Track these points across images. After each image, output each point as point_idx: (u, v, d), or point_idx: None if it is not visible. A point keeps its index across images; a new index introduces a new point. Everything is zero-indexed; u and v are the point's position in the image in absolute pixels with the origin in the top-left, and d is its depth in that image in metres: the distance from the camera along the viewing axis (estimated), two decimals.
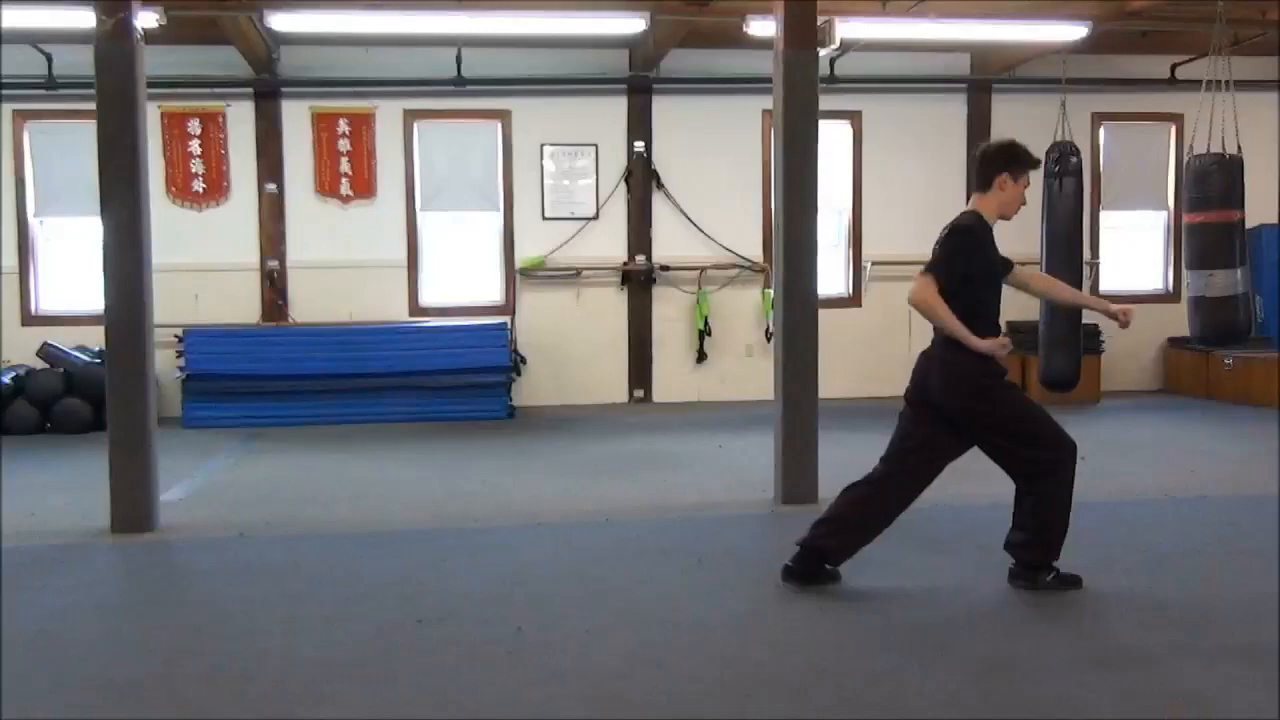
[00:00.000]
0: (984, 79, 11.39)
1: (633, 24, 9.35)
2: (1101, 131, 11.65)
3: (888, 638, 4.11)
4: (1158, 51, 11.05)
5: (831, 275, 11.23)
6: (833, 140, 10.82)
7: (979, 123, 11.43)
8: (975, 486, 5.76)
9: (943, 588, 4.76)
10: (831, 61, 10.44)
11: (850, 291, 11.45)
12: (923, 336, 11.91)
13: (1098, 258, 11.58)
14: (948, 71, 11.36)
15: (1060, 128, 9.08)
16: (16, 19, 8.68)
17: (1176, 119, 11.52)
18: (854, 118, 11.28)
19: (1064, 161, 9.01)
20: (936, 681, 3.64)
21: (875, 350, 11.35)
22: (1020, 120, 11.12)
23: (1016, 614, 4.38)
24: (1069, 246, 9.08)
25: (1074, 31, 9.54)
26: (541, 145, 10.94)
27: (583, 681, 3.70)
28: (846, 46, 9.54)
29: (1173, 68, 11.19)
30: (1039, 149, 9.07)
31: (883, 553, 4.93)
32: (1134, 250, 11.90)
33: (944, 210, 11.59)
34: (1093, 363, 10.43)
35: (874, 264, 11.35)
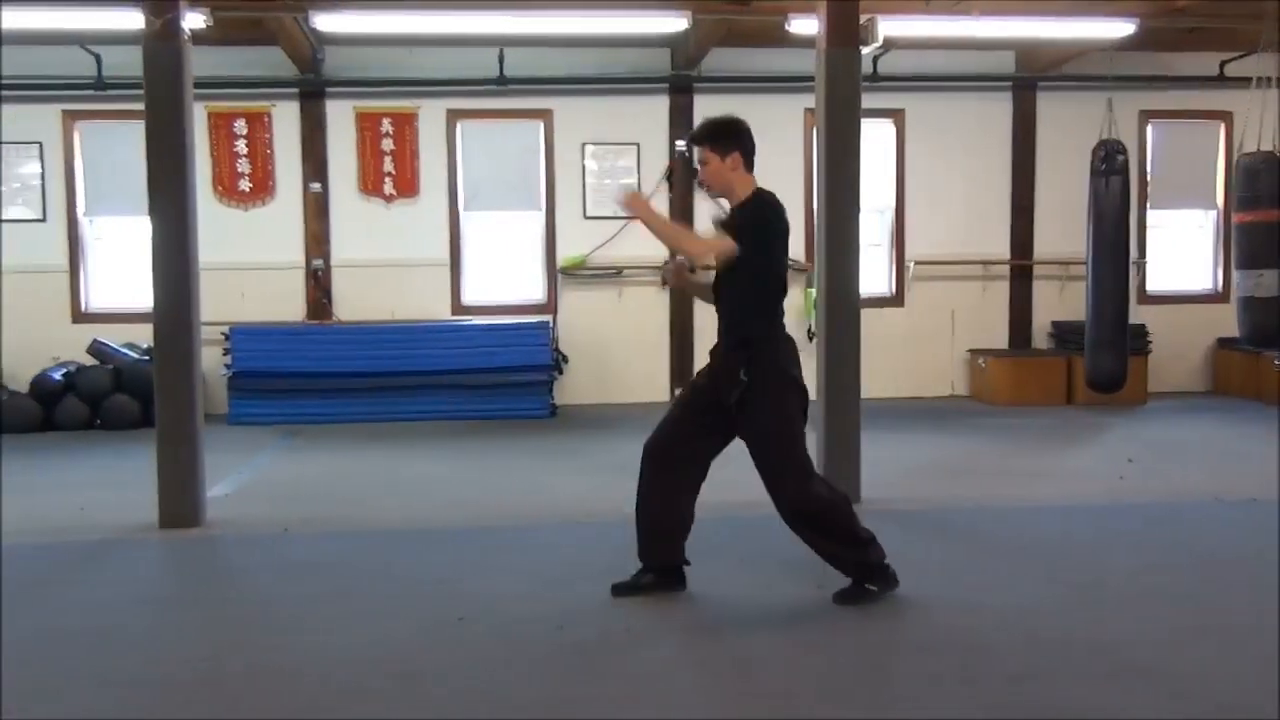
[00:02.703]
0: (1029, 77, 11.27)
1: (674, 23, 9.34)
2: (1149, 130, 11.49)
3: (929, 639, 4.08)
4: (1206, 48, 10.88)
5: (874, 275, 11.15)
6: (875, 139, 10.75)
7: (1024, 121, 11.33)
8: (1019, 489, 5.71)
9: (984, 588, 4.71)
10: (874, 60, 10.37)
11: (893, 291, 11.38)
12: (966, 336, 11.88)
13: (1145, 257, 11.44)
14: (992, 69, 11.25)
15: (1107, 126, 8.97)
16: (66, 20, 8.82)
17: (1225, 117, 11.35)
18: (897, 116, 11.21)
19: (1111, 160, 8.90)
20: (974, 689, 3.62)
21: (918, 350, 11.28)
22: (1066, 118, 11.08)
23: (1052, 620, 4.32)
24: (1115, 246, 8.97)
25: (1121, 28, 9.43)
26: (583, 144, 10.96)
27: (623, 681, 3.70)
28: (889, 44, 9.47)
29: (1222, 65, 11.02)
30: (1085, 147, 9.07)
31: (929, 555, 4.90)
32: (1182, 250, 11.74)
33: (988, 209, 11.67)
34: (1140, 363, 10.31)
35: (917, 263, 11.27)
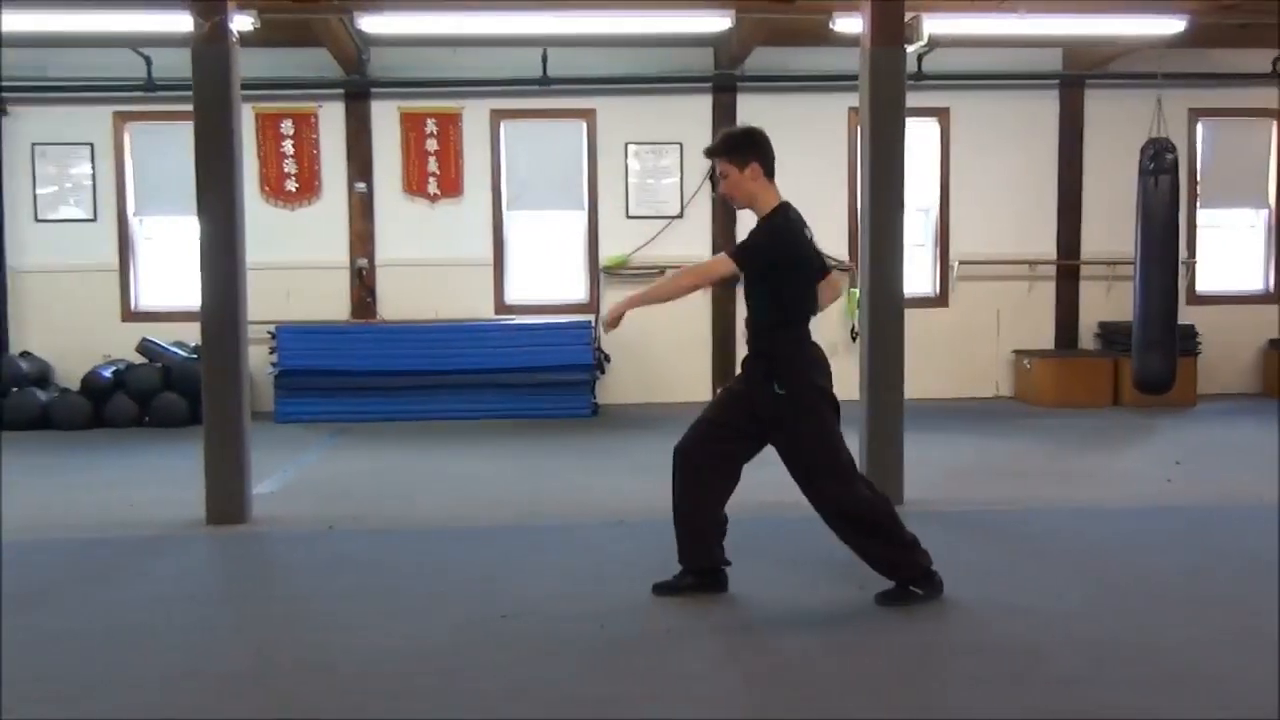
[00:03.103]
0: (1076, 75, 11.16)
1: (718, 22, 9.33)
2: (1199, 128, 11.34)
3: (973, 642, 4.05)
4: (1258, 45, 10.71)
5: (918, 275, 11.09)
6: (920, 138, 10.69)
7: (1071, 120, 11.22)
8: (1065, 491, 5.66)
9: (1029, 591, 4.67)
10: (919, 58, 10.31)
11: (937, 291, 11.30)
12: (1012, 336, 11.77)
13: (1194, 257, 11.29)
14: (1039, 67, 11.14)
15: (1156, 124, 8.86)
16: (117, 23, 8.94)
17: (1277, 115, 11.19)
18: (942, 115, 11.14)
19: (1160, 159, 8.78)
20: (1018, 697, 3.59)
21: (962, 351, 11.21)
22: (1114, 117, 10.96)
23: (1099, 623, 4.27)
24: (1165, 246, 8.85)
25: (1171, 25, 9.31)
26: (626, 144, 10.97)
27: (664, 681, 3.70)
28: (934, 43, 9.41)
29: (1274, 62, 10.85)
30: (1134, 146, 8.96)
31: (973, 557, 4.87)
32: (1232, 250, 11.57)
33: (1034, 209, 11.57)
34: (1188, 365, 10.17)
35: (961, 263, 11.19)
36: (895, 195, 6.31)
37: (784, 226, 4.47)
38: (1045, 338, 11.35)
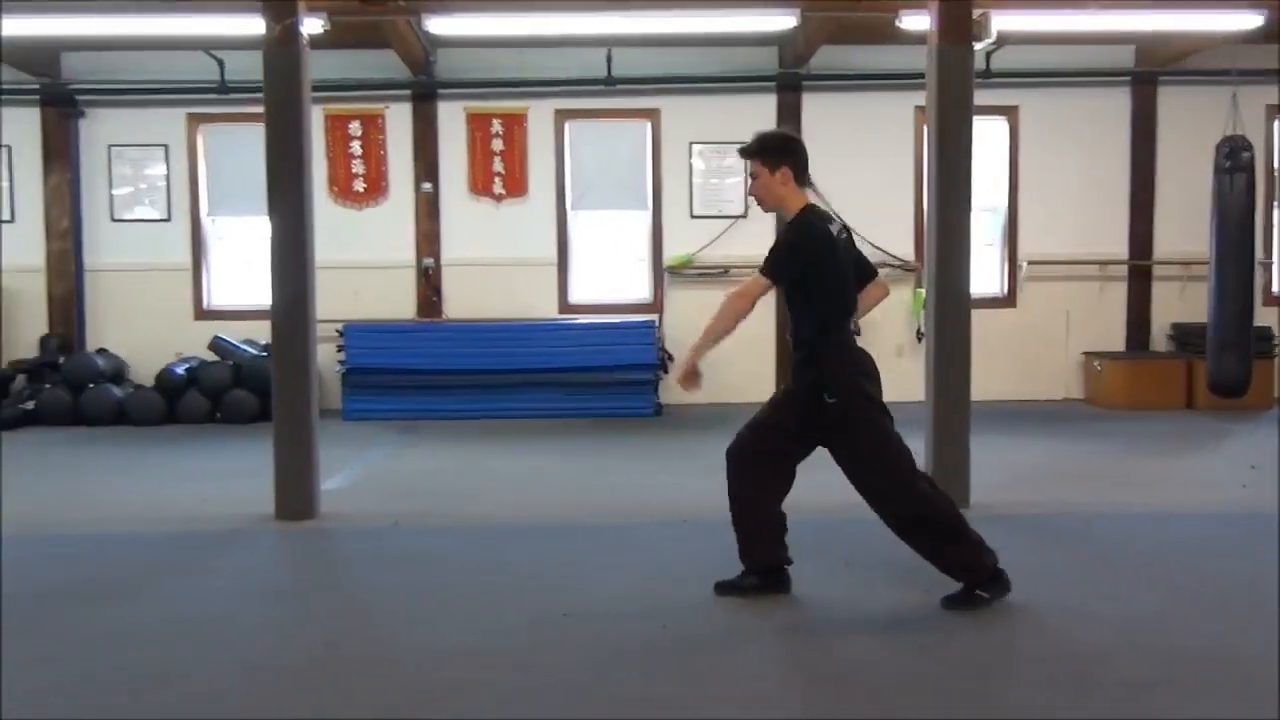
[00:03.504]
0: (1149, 72, 10.96)
1: (783, 21, 9.30)
2: (1276, 125, 11.08)
3: (1040, 647, 4.00)
4: None
5: (986, 275, 10.97)
6: (988, 136, 10.56)
7: (1143, 117, 11.02)
8: (1136, 495, 5.56)
9: (1099, 596, 4.60)
10: (987, 55, 10.18)
11: (1005, 291, 11.17)
12: (1082, 338, 11.59)
13: (1270, 258, 11.04)
14: (1110, 64, 10.97)
15: (1232, 121, 8.67)
16: (192, 26, 9.11)
17: None
18: (1010, 113, 11.00)
19: (1235, 157, 8.58)
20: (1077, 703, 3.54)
21: (1031, 352, 11.06)
22: (1188, 114, 10.75)
23: (1170, 629, 4.20)
24: (1240, 246, 8.65)
25: (1248, 20, 9.11)
26: (690, 143, 10.97)
27: (726, 682, 3.70)
28: (1003, 39, 9.31)
29: None
30: (1208, 144, 8.78)
31: (1041, 561, 4.80)
32: None
33: (1105, 209, 11.38)
34: (1265, 367, 9.95)
35: (1030, 263, 11.04)
36: (963, 195, 6.23)
37: (805, 227, 4.45)
38: (1116, 339, 11.16)
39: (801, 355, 4.52)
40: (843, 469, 4.47)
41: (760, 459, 4.58)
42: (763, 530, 4.60)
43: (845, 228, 4.62)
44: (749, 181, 4.65)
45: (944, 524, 4.37)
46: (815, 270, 4.43)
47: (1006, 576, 4.42)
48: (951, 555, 4.40)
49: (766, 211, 4.76)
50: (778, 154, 4.50)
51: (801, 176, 4.53)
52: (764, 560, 4.60)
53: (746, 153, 4.58)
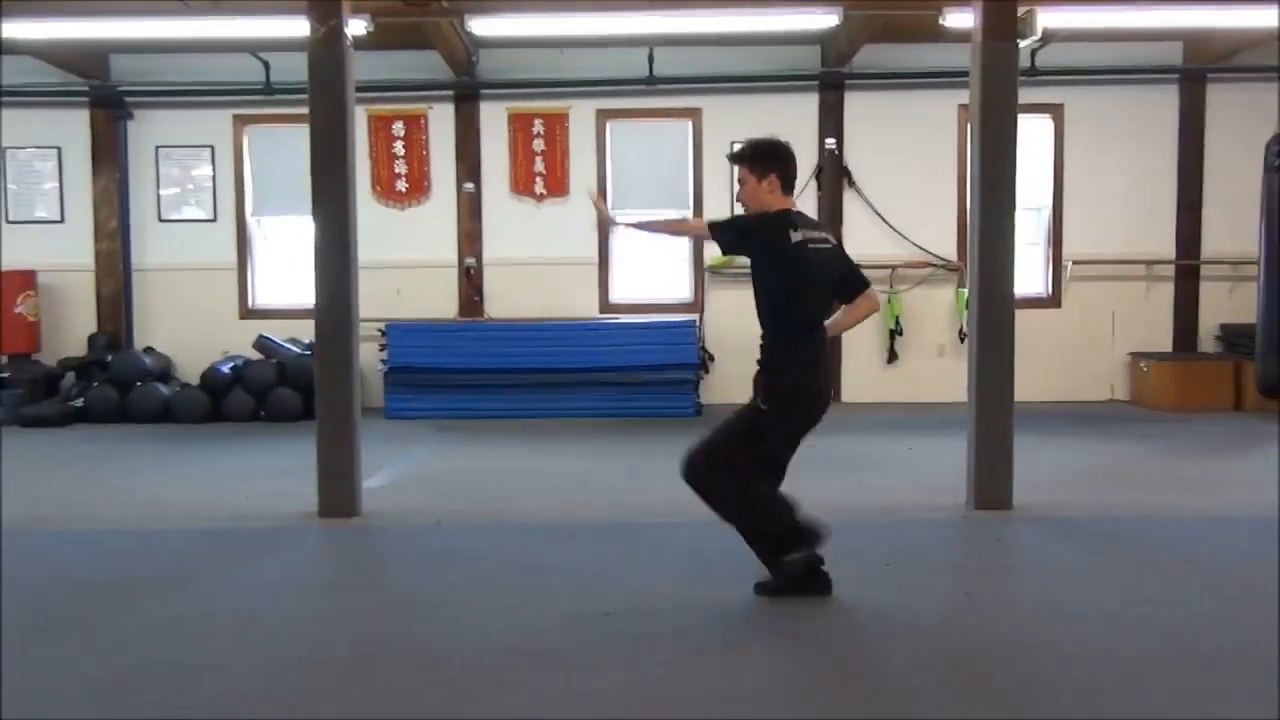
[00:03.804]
0: (1198, 68, 10.80)
1: (825, 19, 9.25)
2: None
3: (1086, 652, 3.95)
4: None
5: (1029, 275, 10.87)
6: (1033, 135, 10.46)
7: (1192, 115, 10.87)
8: (1182, 498, 5.49)
9: (1146, 601, 4.54)
10: (1032, 53, 10.09)
11: (1049, 291, 11.06)
12: (1128, 338, 11.43)
13: None
14: (1157, 61, 10.82)
15: None
16: (238, 28, 9.21)
17: None
18: (1055, 111, 10.88)
19: None
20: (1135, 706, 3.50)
21: (1075, 353, 10.95)
22: (1238, 111, 10.60)
23: (1219, 636, 4.13)
24: None
25: None
26: (732, 143, 10.78)
27: (765, 681, 3.69)
28: (1049, 37, 9.21)
29: None
30: (1259, 141, 8.63)
31: (1085, 565, 4.74)
32: None
33: (1151, 208, 11.24)
34: None
35: (1075, 263, 10.93)
36: (1006, 194, 6.17)
37: (765, 216, 4.51)
38: (1163, 340, 11.02)
39: (762, 355, 4.56)
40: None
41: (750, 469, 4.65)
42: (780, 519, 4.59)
43: (829, 239, 4.63)
44: (738, 187, 4.67)
45: (751, 523, 4.52)
46: (763, 262, 4.49)
47: (826, 578, 4.50)
48: (769, 546, 4.50)
49: None
50: (767, 161, 4.56)
51: (788, 186, 4.58)
52: (798, 539, 4.55)
53: (736, 158, 4.64)
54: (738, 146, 4.67)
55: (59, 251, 11.00)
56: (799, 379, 4.47)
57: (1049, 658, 3.92)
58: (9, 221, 11.06)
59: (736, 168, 4.63)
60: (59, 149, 11.02)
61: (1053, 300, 11.03)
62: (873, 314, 4.85)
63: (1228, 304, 10.90)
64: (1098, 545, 5.50)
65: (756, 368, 4.57)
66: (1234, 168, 10.49)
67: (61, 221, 11.07)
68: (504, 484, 7.23)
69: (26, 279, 10.73)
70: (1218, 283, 10.94)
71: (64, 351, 10.95)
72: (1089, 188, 10.90)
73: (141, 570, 5.15)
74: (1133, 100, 10.87)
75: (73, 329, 11.04)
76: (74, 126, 10.97)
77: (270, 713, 3.47)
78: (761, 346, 4.57)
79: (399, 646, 4.08)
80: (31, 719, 3.44)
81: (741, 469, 4.50)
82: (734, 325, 10.89)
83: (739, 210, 4.77)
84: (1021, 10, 6.80)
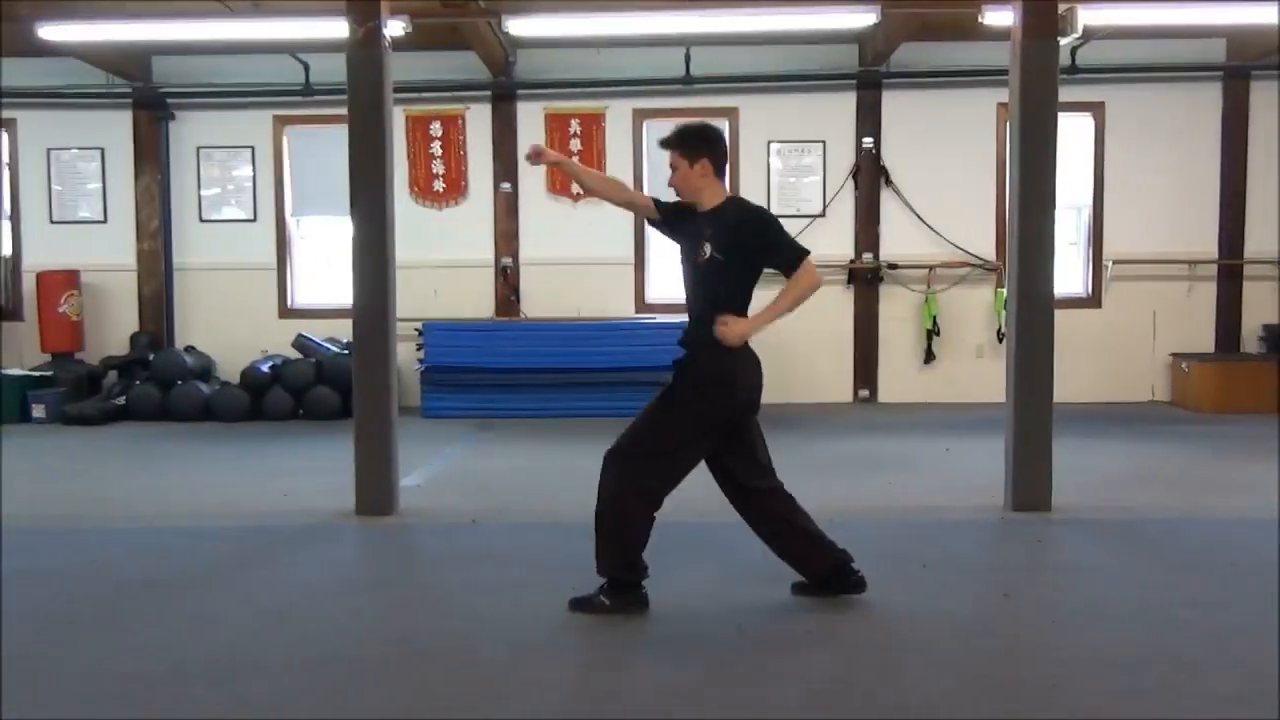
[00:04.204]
0: (1241, 65, 10.66)
1: (863, 18, 9.19)
2: None
3: (1126, 655, 3.91)
4: None
5: (1069, 274, 10.78)
6: (1073, 133, 10.36)
7: (1235, 113, 10.74)
8: (1225, 500, 5.41)
9: (1186, 604, 4.48)
10: (1073, 50, 10.00)
11: (1089, 291, 10.96)
12: (1169, 339, 11.30)
13: None
14: (1200, 58, 10.70)
15: None
16: (278, 30, 9.29)
17: None
18: (1096, 109, 10.78)
19: None
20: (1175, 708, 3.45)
21: (1115, 353, 10.85)
22: None
23: (1262, 641, 4.07)
24: None
25: None
26: (768, 142, 10.92)
27: (801, 682, 3.68)
28: (1089, 35, 9.11)
29: None
30: None
31: (1125, 568, 4.69)
32: None
33: (1194, 207, 11.12)
34: None
35: (1116, 262, 10.82)
36: (1046, 193, 6.12)
37: (764, 210, 4.57)
38: (1205, 340, 10.89)
39: (702, 338, 4.51)
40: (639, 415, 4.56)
41: (722, 482, 4.69)
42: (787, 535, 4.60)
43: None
44: (669, 173, 4.63)
45: (610, 521, 4.42)
46: (745, 248, 4.51)
47: (643, 595, 4.43)
48: (602, 548, 4.43)
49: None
50: (697, 145, 4.52)
51: (720, 169, 4.55)
52: (828, 560, 4.54)
53: (666, 143, 4.60)
54: (666, 133, 4.61)
55: (102, 251, 11.14)
56: (746, 361, 4.54)
57: (1087, 660, 3.88)
58: (53, 222, 11.22)
59: (668, 154, 4.58)
60: (102, 150, 11.16)
61: (1093, 300, 10.93)
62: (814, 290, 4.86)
63: (1271, 304, 10.75)
64: (1138, 547, 5.44)
65: (701, 351, 4.53)
66: (1277, 166, 10.36)
67: (104, 222, 11.21)
68: (540, 483, 7.25)
69: (70, 279, 10.87)
70: (1261, 282, 10.80)
71: (106, 350, 11.09)
72: (1130, 186, 10.79)
73: (181, 567, 5.20)
74: (1175, 98, 10.75)
75: (115, 328, 11.18)
76: (117, 127, 11.10)
77: (309, 710, 3.50)
78: (696, 336, 4.55)
79: (435, 644, 4.10)
80: (31, 719, 3.46)
81: (654, 468, 4.48)
82: (770, 325, 10.85)
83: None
84: (1062, 8, 6.74)
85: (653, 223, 4.76)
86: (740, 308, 4.55)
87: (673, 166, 4.57)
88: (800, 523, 4.55)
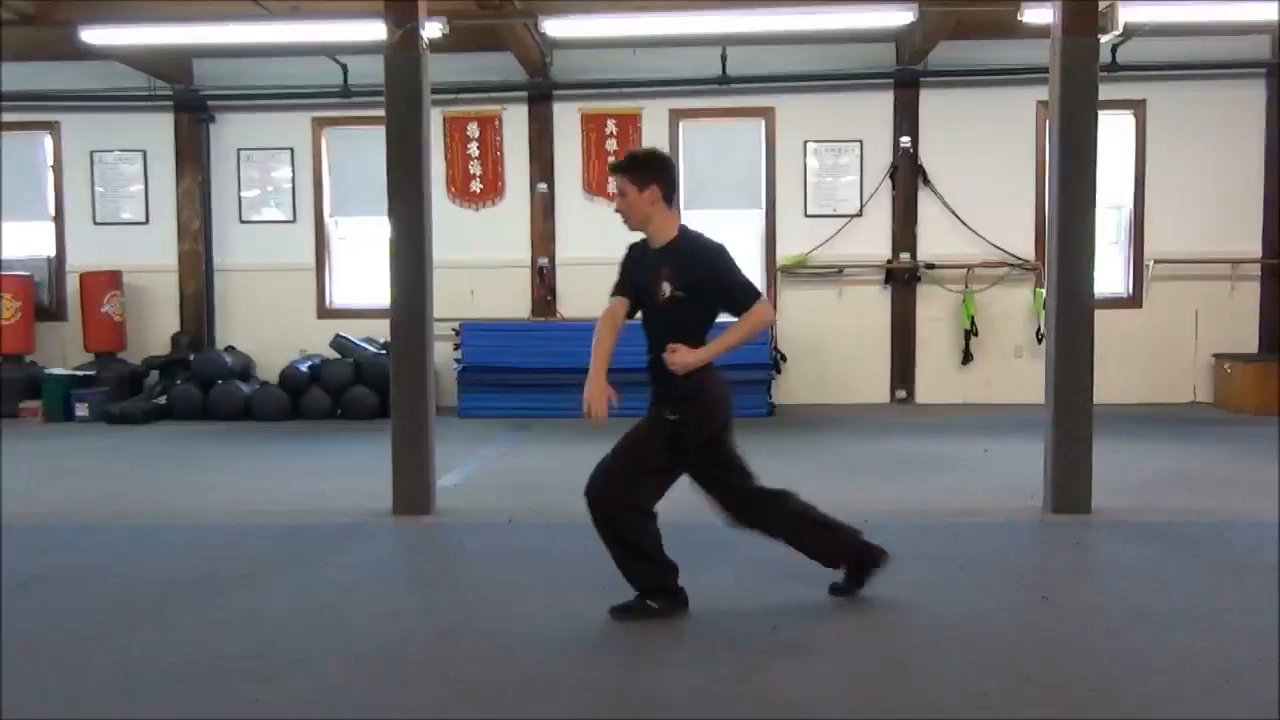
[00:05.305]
0: None
1: (901, 16, 9.16)
2: None
3: (1166, 659, 3.87)
4: None
5: (1110, 274, 10.68)
6: (1114, 131, 10.27)
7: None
8: (1268, 503, 5.34)
9: (1227, 608, 4.43)
10: (1113, 48, 9.91)
11: (1130, 291, 10.85)
12: (1211, 339, 11.18)
13: None
14: (1244, 55, 10.57)
15: None
16: (317, 33, 9.37)
17: None
18: (1137, 107, 10.68)
19: None
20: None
21: (1156, 354, 10.74)
22: None
23: None
24: None
25: None
26: (805, 142, 10.89)
27: (834, 682, 3.66)
28: (1130, 31, 9.04)
29: None
30: None
31: (1165, 571, 4.64)
32: None
33: (1237, 206, 10.99)
34: None
35: (1157, 262, 10.72)
36: (1086, 192, 6.06)
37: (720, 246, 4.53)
38: (1248, 341, 10.76)
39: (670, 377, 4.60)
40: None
41: (721, 496, 4.73)
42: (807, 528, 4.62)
43: None
44: (617, 199, 4.60)
45: (622, 546, 4.40)
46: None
47: (684, 594, 4.43)
48: (628, 568, 4.40)
49: (632, 230, 4.70)
50: (645, 172, 4.47)
51: (670, 196, 4.51)
52: (854, 551, 4.55)
53: (614, 169, 4.56)
54: (615, 159, 4.63)
55: (144, 252, 11.28)
56: (715, 381, 4.60)
57: (1127, 663, 3.84)
58: (96, 223, 11.37)
59: (615, 179, 4.53)
60: (144, 152, 11.30)
61: (1134, 300, 10.83)
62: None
63: None
64: (1178, 550, 5.38)
65: (660, 387, 4.63)
66: None
67: (146, 223, 11.35)
68: (576, 482, 7.18)
69: (112, 279, 11.01)
70: None
71: (148, 350, 11.22)
72: (1172, 185, 10.68)
73: (221, 565, 5.25)
74: (1218, 95, 10.63)
75: (157, 328, 11.31)
76: (159, 130, 11.24)
77: (350, 706, 3.52)
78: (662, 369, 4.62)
79: (472, 643, 4.12)
80: (31, 719, 3.48)
81: (644, 492, 4.51)
82: (806, 325, 10.84)
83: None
84: (1103, 4, 6.69)
85: (632, 307, 4.86)
86: (701, 338, 4.57)
87: (621, 193, 4.53)
88: (811, 514, 4.60)
